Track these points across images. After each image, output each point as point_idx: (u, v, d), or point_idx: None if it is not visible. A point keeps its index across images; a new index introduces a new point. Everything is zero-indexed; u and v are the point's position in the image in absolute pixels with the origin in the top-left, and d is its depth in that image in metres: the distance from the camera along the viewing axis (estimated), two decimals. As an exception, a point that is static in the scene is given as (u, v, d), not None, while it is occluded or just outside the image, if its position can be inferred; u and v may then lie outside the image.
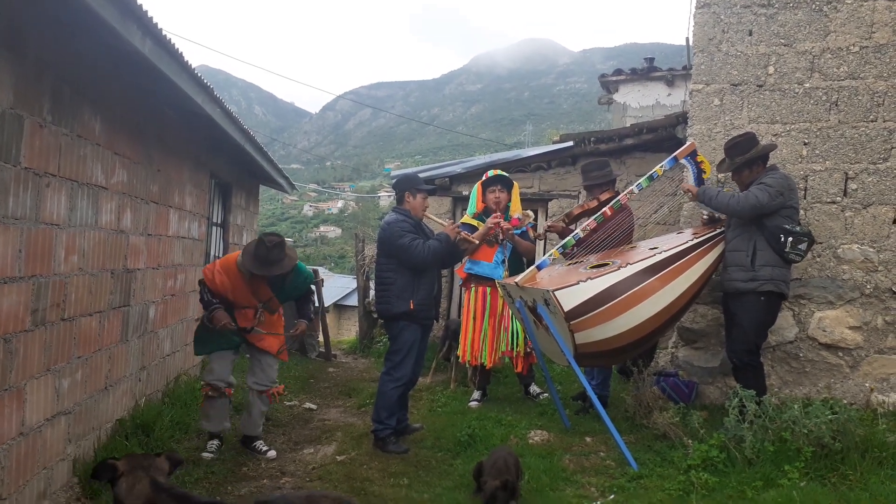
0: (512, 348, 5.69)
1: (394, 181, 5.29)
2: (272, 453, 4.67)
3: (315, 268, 9.87)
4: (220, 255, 7.83)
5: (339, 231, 67.32)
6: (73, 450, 3.84)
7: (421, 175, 6.04)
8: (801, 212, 4.95)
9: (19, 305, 3.15)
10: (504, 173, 5.85)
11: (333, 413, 6.04)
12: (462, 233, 4.98)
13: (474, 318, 5.72)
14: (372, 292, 10.25)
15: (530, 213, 5.86)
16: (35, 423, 3.37)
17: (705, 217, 5.12)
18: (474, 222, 5.67)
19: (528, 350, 5.68)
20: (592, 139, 7.89)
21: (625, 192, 5.14)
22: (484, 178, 5.81)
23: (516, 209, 5.74)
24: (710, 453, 4.03)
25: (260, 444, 4.74)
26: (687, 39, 7.22)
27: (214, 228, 7.68)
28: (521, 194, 5.95)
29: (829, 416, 3.98)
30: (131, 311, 4.79)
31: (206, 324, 4.60)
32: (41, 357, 3.41)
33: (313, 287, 4.93)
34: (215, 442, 4.68)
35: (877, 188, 4.98)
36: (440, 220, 5.38)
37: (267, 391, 4.74)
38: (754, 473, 3.85)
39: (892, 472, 3.81)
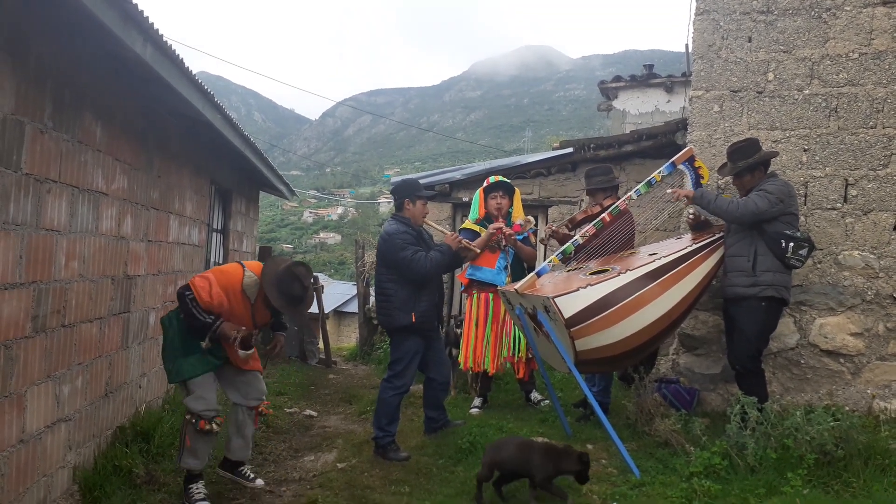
0: (514, 354, 5.68)
1: (392, 187, 5.24)
2: (260, 482, 4.17)
3: (315, 274, 9.83)
4: (221, 262, 7.82)
5: (338, 237, 67.36)
6: (73, 457, 3.83)
7: (421, 181, 6.04)
8: (802, 218, 4.95)
9: (20, 312, 3.14)
10: (506, 179, 5.86)
11: (334, 420, 6.02)
12: (463, 241, 4.95)
13: (476, 325, 5.71)
14: (372, 299, 10.25)
15: (531, 219, 5.85)
16: (35, 430, 3.36)
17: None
18: (476, 228, 5.67)
19: (530, 356, 5.66)
20: (592, 145, 7.92)
21: (623, 198, 5.14)
22: (486, 184, 5.82)
23: (518, 215, 5.75)
24: (712, 460, 4.02)
25: (247, 470, 4.22)
26: (686, 46, 7.24)
27: (214, 234, 7.68)
28: (521, 200, 5.96)
29: (832, 423, 3.97)
30: (132, 317, 4.78)
31: (207, 344, 3.88)
32: (42, 363, 3.40)
33: None
34: (202, 486, 3.91)
35: (877, 194, 4.98)
36: (441, 228, 5.37)
37: (258, 407, 4.19)
38: (757, 481, 3.84)
39: (895, 480, 3.80)
